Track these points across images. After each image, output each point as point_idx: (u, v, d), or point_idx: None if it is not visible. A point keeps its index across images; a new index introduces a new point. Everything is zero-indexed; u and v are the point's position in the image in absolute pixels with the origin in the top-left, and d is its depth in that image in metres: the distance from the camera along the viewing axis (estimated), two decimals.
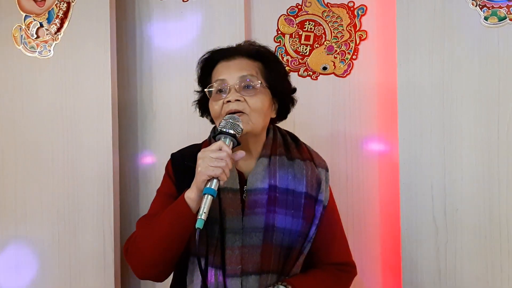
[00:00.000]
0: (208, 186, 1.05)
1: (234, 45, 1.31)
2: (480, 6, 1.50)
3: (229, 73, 1.21)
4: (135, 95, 1.97)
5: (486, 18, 1.50)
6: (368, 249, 1.76)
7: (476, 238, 1.51)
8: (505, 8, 1.48)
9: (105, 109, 1.83)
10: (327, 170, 1.32)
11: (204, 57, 1.30)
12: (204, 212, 1.02)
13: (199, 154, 1.09)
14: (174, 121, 1.92)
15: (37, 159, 1.91)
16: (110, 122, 1.83)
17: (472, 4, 1.51)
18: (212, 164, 1.05)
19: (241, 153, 1.14)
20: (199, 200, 1.07)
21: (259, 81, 1.22)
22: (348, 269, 1.33)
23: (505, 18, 1.48)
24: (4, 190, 1.94)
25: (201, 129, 1.79)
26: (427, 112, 1.57)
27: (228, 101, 1.18)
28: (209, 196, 1.04)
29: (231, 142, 1.10)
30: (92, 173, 1.84)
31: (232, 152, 1.10)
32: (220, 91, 1.21)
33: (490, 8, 1.49)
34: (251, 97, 1.19)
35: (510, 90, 1.47)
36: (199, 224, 1.01)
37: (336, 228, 1.33)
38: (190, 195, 1.10)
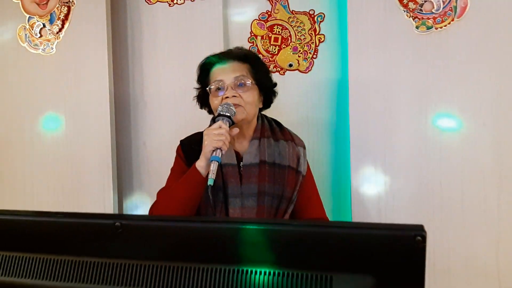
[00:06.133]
0: (214, 155, 1.34)
1: (226, 51, 1.59)
2: (413, 17, 1.87)
3: (225, 74, 1.48)
4: (128, 88, 2.24)
5: (417, 27, 1.88)
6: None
7: (410, 199, 1.90)
8: (432, 19, 1.86)
9: (103, 100, 2.11)
10: (304, 148, 1.61)
11: (202, 62, 1.58)
12: (213, 173, 1.31)
13: (205, 132, 1.39)
14: (163, 110, 2.20)
15: (42, 145, 2.18)
16: (108, 111, 2.10)
17: (407, 16, 1.88)
18: (215, 138, 1.35)
19: (235, 130, 1.45)
20: (207, 167, 1.36)
21: (250, 80, 1.48)
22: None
23: (431, 27, 1.86)
24: (13, 172, 2.20)
25: (187, 117, 2.12)
26: (372, 102, 1.92)
27: (227, 97, 1.45)
28: (216, 162, 1.33)
29: (227, 122, 1.40)
30: (92, 156, 2.13)
31: (229, 129, 1.40)
32: (218, 89, 1.49)
33: (420, 19, 1.87)
34: (244, 93, 1.47)
35: (436, 84, 1.85)
36: (210, 182, 1.30)
37: (313, 192, 1.62)
38: (200, 163, 1.39)
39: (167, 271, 0.54)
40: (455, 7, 1.83)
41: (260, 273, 0.52)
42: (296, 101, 2.14)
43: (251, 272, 0.53)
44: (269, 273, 0.52)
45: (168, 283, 0.54)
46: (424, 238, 0.49)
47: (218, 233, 0.55)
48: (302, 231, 0.53)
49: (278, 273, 0.52)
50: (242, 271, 0.53)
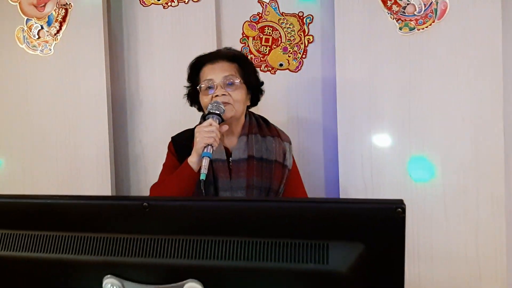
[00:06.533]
0: (205, 151, 1.41)
1: (215, 51, 1.66)
2: (396, 19, 1.98)
3: (215, 74, 1.55)
4: (124, 87, 2.32)
5: (400, 28, 1.98)
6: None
7: (394, 193, 2.00)
8: (414, 21, 1.97)
9: (101, 99, 2.18)
10: (290, 143, 1.68)
11: (192, 61, 1.64)
12: (205, 168, 1.38)
13: (196, 130, 1.45)
14: (158, 109, 2.28)
15: (42, 144, 2.24)
16: (105, 110, 2.18)
17: (390, 18, 1.99)
18: (206, 135, 1.41)
19: (225, 127, 1.51)
20: (198, 162, 1.43)
21: (238, 79, 1.55)
22: None
23: (414, 28, 1.97)
24: (13, 170, 2.27)
25: (181, 115, 2.19)
26: (358, 100, 2.02)
27: (216, 95, 1.52)
28: (207, 158, 1.40)
29: (217, 119, 1.47)
30: (91, 153, 2.20)
31: (219, 126, 1.46)
32: (208, 87, 1.55)
33: (403, 20, 1.97)
34: (233, 91, 1.54)
35: (418, 82, 1.95)
36: (202, 177, 1.37)
37: (299, 185, 1.71)
38: (192, 159, 1.45)
39: (189, 244, 0.63)
40: (436, 10, 1.94)
41: (268, 243, 0.62)
42: (287, 99, 2.23)
43: (260, 243, 0.62)
44: (276, 243, 0.62)
45: (189, 254, 0.63)
46: (403, 209, 0.59)
47: (231, 210, 0.64)
48: (302, 206, 0.63)
49: (284, 243, 0.62)
50: (252, 242, 0.63)
